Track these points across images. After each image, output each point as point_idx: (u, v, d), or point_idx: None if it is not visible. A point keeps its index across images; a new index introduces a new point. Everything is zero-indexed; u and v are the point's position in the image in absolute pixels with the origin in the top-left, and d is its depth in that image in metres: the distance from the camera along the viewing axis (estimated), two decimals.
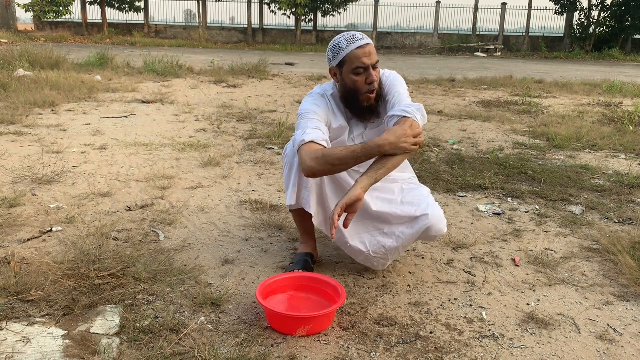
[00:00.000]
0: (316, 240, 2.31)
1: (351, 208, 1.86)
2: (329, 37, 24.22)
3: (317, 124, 2.02)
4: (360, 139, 2.15)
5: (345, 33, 2.02)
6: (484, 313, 1.94)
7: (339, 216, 1.84)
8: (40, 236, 2.45)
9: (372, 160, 1.99)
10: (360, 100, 2.03)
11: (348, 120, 2.13)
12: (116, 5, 24.19)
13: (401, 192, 2.16)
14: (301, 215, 2.18)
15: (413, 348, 1.71)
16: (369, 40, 1.99)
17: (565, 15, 22.34)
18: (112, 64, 9.98)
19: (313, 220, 2.10)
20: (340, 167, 1.91)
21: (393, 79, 2.10)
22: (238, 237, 2.56)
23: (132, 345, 1.65)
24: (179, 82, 8.51)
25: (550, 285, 2.16)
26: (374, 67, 1.99)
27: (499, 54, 21.43)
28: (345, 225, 1.91)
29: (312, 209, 2.06)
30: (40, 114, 5.41)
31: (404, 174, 2.29)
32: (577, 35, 21.78)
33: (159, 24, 25.86)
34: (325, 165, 1.89)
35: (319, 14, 24.06)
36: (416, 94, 8.19)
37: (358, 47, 1.95)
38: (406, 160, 2.32)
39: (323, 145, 1.94)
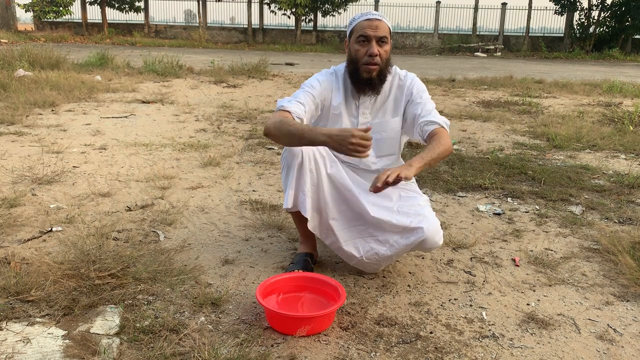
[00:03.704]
0: (316, 240, 2.31)
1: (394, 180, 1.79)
2: (329, 37, 24.21)
3: (307, 99, 2.09)
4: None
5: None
6: (484, 313, 1.94)
7: (382, 184, 1.76)
8: (40, 236, 2.45)
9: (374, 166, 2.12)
10: (359, 71, 2.07)
11: (356, 105, 2.14)
12: (116, 5, 24.18)
13: (399, 199, 2.16)
14: (300, 217, 2.18)
15: (413, 348, 1.71)
16: (380, 17, 2.03)
17: (565, 15, 22.33)
18: (112, 64, 9.99)
19: (308, 224, 2.10)
20: (287, 139, 1.96)
21: (420, 84, 2.19)
22: (238, 237, 2.56)
23: (132, 345, 1.65)
24: (179, 82, 8.51)
25: (550, 285, 2.16)
26: (380, 43, 2.03)
27: (499, 54, 21.43)
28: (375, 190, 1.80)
29: (308, 213, 2.06)
30: (40, 114, 5.41)
31: None
32: (577, 35, 21.77)
33: (159, 24, 25.85)
34: (277, 132, 1.96)
35: (319, 14, 24.05)
36: None
37: (366, 19, 2.03)
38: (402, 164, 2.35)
39: (294, 119, 2.01)
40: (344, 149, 1.80)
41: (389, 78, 2.16)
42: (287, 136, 1.94)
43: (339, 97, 2.14)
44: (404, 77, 2.18)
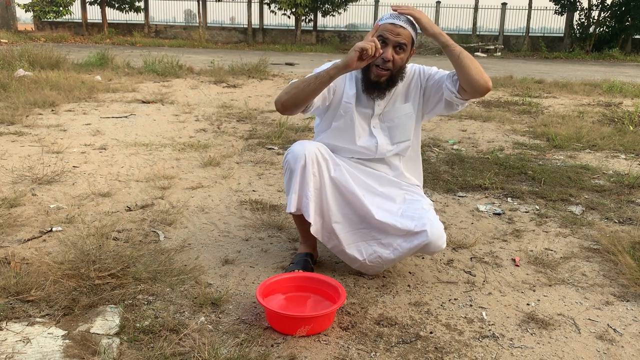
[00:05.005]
0: (316, 240, 2.31)
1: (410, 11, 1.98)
2: (329, 37, 24.20)
3: None
4: (377, 120, 2.19)
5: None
6: (484, 313, 1.94)
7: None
8: (40, 236, 2.45)
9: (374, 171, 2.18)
10: (370, 70, 2.06)
11: (371, 97, 2.14)
12: (116, 5, 24.15)
13: (403, 202, 2.16)
14: (301, 218, 2.17)
15: (413, 348, 1.71)
16: (406, 26, 2.00)
17: (565, 15, 22.31)
18: (112, 64, 9.98)
19: (311, 228, 2.09)
20: (302, 88, 1.98)
21: (422, 66, 2.21)
22: (238, 237, 2.56)
23: (132, 345, 1.65)
24: (179, 82, 8.51)
25: (550, 285, 2.17)
26: (397, 49, 2.01)
27: (499, 54, 21.42)
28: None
29: (311, 217, 2.06)
30: (40, 114, 5.41)
31: (412, 178, 2.29)
32: (577, 35, 21.76)
33: (159, 24, 25.83)
34: (290, 90, 1.99)
35: (319, 14, 24.03)
36: None
37: (391, 23, 2.00)
38: (420, 166, 2.35)
39: None
40: (356, 56, 1.88)
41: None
42: (302, 85, 1.97)
43: (353, 87, 2.15)
44: (410, 67, 2.19)
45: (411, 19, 2.02)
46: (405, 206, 2.13)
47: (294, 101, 2.00)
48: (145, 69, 9.51)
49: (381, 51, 1.94)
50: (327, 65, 2.01)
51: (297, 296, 1.97)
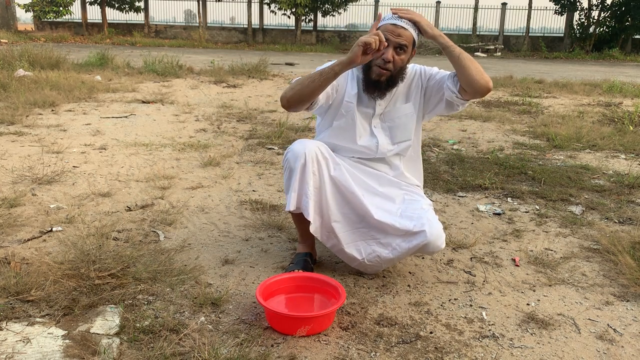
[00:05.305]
0: (315, 240, 2.30)
1: (409, 15, 2.01)
2: (329, 37, 24.20)
3: None
4: (378, 120, 2.19)
5: None
6: (484, 313, 1.94)
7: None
8: (40, 236, 2.45)
9: (374, 170, 2.17)
10: (371, 70, 2.06)
11: (371, 97, 2.14)
12: (116, 5, 24.15)
13: (402, 202, 2.16)
14: (300, 217, 2.17)
15: (413, 348, 1.71)
16: (407, 27, 2.00)
17: (565, 15, 22.32)
18: (112, 64, 9.98)
19: (310, 227, 2.09)
20: (307, 84, 1.97)
21: (422, 66, 2.22)
22: (238, 237, 2.56)
23: (132, 345, 1.65)
24: (179, 82, 8.51)
25: (550, 285, 2.17)
26: (398, 50, 2.01)
27: (499, 54, 21.42)
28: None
29: (310, 216, 2.06)
30: (40, 114, 5.41)
31: (412, 178, 2.29)
32: (577, 35, 21.77)
33: (159, 24, 25.82)
34: (295, 86, 1.99)
35: (319, 14, 24.03)
36: None
37: (392, 24, 2.01)
38: (420, 166, 2.35)
39: None
40: (360, 51, 1.85)
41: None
42: (307, 81, 1.97)
43: (354, 86, 2.16)
44: (411, 68, 2.19)
45: (412, 32, 2.02)
46: (405, 206, 2.13)
47: (299, 97, 2.00)
48: (145, 69, 9.50)
49: (386, 43, 1.92)
50: (329, 64, 2.01)
51: (297, 296, 1.97)
